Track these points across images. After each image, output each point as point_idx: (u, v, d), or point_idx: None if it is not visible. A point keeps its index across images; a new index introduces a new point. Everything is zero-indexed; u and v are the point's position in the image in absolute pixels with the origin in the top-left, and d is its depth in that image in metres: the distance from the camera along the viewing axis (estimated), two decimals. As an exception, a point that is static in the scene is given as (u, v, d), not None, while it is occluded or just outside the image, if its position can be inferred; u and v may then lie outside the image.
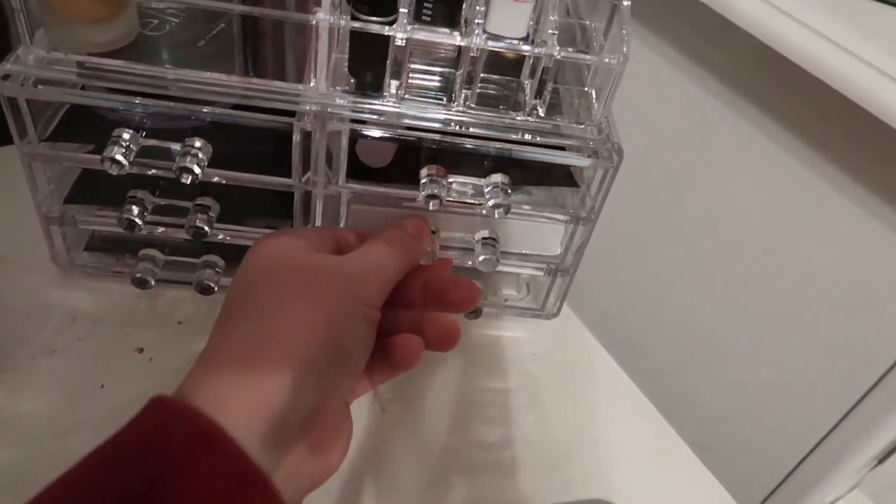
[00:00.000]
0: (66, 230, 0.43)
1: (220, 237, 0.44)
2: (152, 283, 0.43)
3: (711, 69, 0.54)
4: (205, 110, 0.38)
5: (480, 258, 0.43)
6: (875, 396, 0.50)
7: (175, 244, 0.45)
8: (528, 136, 0.39)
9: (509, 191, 0.40)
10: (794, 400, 0.56)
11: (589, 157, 0.40)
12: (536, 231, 0.45)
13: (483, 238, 0.44)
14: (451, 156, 0.40)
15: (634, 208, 0.64)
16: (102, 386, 0.40)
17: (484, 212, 0.40)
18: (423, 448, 0.41)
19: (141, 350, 0.42)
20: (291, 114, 0.38)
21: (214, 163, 0.40)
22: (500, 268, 0.44)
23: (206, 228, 0.41)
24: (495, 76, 0.42)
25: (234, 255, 0.45)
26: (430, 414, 0.43)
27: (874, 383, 0.50)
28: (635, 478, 0.42)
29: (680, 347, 0.64)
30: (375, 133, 0.38)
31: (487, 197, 0.40)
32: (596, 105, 0.40)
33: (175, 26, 0.41)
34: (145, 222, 0.41)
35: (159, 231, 0.43)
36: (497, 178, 0.41)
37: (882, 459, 0.56)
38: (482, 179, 0.41)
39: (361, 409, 0.42)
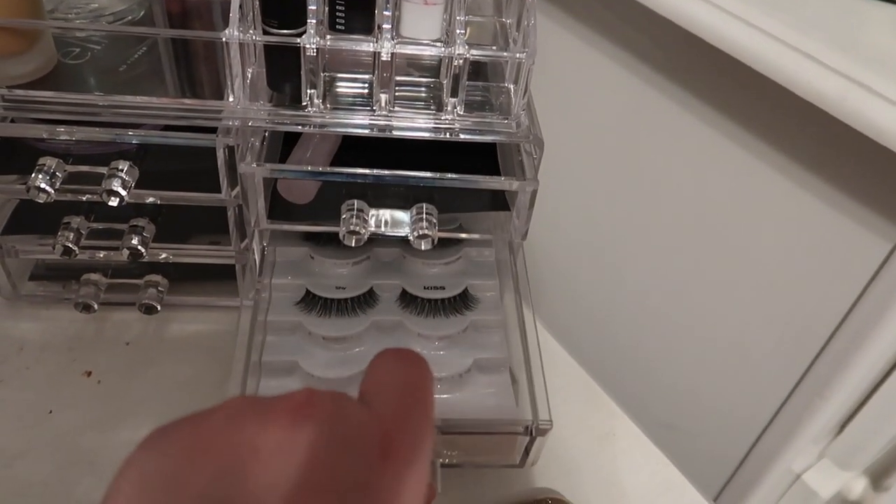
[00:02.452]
0: (10, 262, 0.44)
1: (163, 256, 0.44)
2: (96, 307, 0.43)
3: (641, 56, 0.55)
4: (130, 133, 0.39)
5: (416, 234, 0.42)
6: (822, 361, 0.51)
7: (120, 267, 0.45)
8: (449, 135, 0.40)
9: (434, 220, 0.40)
10: (748, 372, 0.57)
11: (516, 180, 0.40)
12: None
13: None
14: (374, 188, 0.40)
15: (575, 194, 0.65)
16: (51, 412, 0.41)
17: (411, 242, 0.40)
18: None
19: (89, 374, 0.43)
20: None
21: (150, 184, 0.40)
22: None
23: (142, 249, 0.41)
24: (423, 78, 0.43)
25: (178, 273, 0.46)
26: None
27: (820, 349, 0.51)
28: (584, 463, 0.43)
29: (631, 330, 0.65)
30: (289, 173, 0.39)
31: (412, 229, 0.40)
32: (514, 99, 0.41)
33: (97, 53, 0.42)
34: (82, 247, 0.41)
35: (101, 255, 0.43)
36: (422, 208, 0.40)
37: (843, 426, 0.57)
38: (406, 211, 0.41)
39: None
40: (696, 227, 0.56)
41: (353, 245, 0.39)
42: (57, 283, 0.46)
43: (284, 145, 0.44)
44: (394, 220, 0.40)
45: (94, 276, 0.44)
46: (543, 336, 0.49)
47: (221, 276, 0.45)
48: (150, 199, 0.41)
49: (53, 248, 0.41)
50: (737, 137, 0.51)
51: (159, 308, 0.44)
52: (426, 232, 0.39)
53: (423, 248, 0.39)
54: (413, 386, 0.25)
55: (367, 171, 0.39)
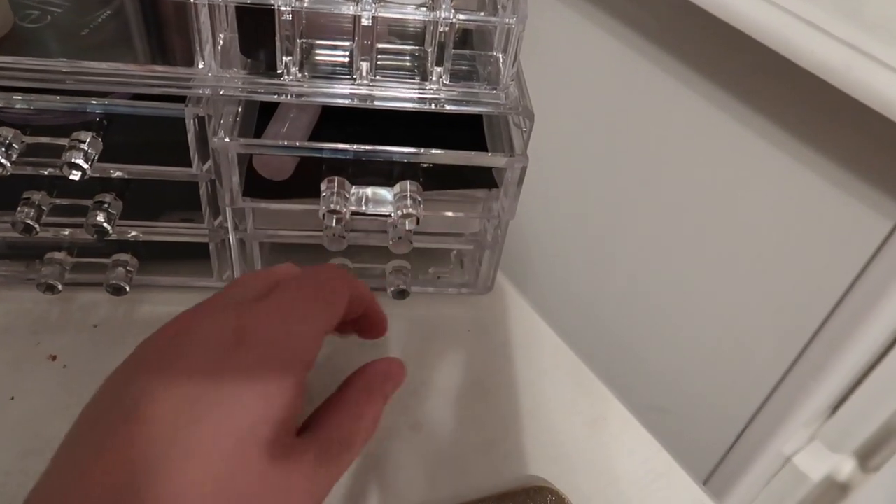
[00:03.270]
0: None
1: (133, 234, 0.42)
2: (60, 287, 0.41)
3: (635, 26, 0.53)
4: (94, 101, 0.36)
5: (393, 239, 0.41)
6: (818, 343, 0.50)
7: (86, 245, 0.43)
8: (434, 106, 0.38)
9: (419, 199, 0.38)
10: (741, 355, 0.56)
11: (505, 156, 0.38)
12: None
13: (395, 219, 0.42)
14: (356, 164, 0.38)
15: (566, 172, 0.63)
16: (12, 398, 0.39)
17: (395, 223, 0.38)
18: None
19: (54, 357, 0.41)
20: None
21: (116, 157, 0.38)
22: (422, 244, 0.43)
23: (107, 226, 0.39)
24: (406, 46, 0.41)
25: (148, 252, 0.43)
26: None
27: (815, 331, 0.49)
28: (573, 448, 0.41)
29: (623, 312, 0.63)
30: (264, 149, 0.36)
31: (396, 208, 0.38)
32: (503, 69, 0.39)
33: (57, 16, 0.39)
34: (45, 224, 0.39)
35: (65, 233, 0.41)
36: (406, 185, 0.38)
37: (835, 409, 0.56)
38: (390, 189, 0.39)
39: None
40: (690, 204, 0.54)
41: (332, 224, 0.37)
42: (19, 263, 0.44)
43: (260, 118, 0.42)
44: (376, 199, 0.38)
45: (59, 255, 0.42)
46: (532, 319, 0.48)
47: (195, 255, 0.43)
48: (117, 174, 0.39)
49: (13, 226, 0.38)
50: (734, 111, 0.49)
51: (128, 289, 0.41)
52: (410, 211, 0.37)
53: (407, 227, 0.37)
54: (304, 298, 0.30)
55: (347, 146, 0.36)
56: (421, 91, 0.38)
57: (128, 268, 0.42)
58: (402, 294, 0.43)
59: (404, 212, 0.37)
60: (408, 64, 0.40)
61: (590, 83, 0.59)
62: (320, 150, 0.37)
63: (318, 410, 0.30)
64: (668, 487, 0.40)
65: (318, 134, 0.41)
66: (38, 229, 0.39)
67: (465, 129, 0.44)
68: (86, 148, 0.35)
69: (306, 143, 0.36)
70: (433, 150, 0.37)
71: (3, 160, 0.35)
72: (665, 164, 0.55)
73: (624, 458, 0.41)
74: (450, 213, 0.42)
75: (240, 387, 0.26)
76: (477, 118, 0.45)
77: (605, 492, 0.39)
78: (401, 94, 0.38)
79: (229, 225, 0.42)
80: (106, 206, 0.39)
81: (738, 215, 0.52)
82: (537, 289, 0.47)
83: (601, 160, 0.60)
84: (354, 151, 0.36)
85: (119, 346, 0.28)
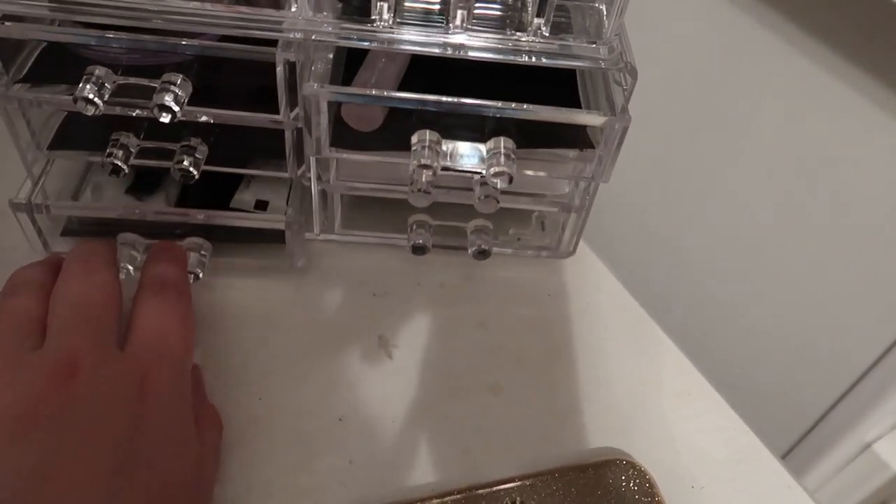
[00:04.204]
0: (40, 218, 0.41)
1: (201, 217, 0.41)
2: (132, 270, 0.40)
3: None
4: (184, 42, 0.36)
5: (479, 197, 0.40)
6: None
7: (156, 227, 0.41)
8: (532, 59, 0.36)
9: (513, 156, 0.36)
10: (831, 336, 0.53)
11: (603, 115, 0.36)
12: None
13: (482, 177, 0.40)
14: (446, 117, 0.36)
15: (656, 136, 0.60)
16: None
17: (485, 181, 0.37)
18: (430, 395, 0.39)
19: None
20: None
21: (206, 101, 0.37)
22: (507, 205, 0.41)
23: (194, 171, 0.38)
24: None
25: (221, 235, 0.42)
26: (438, 359, 0.41)
27: (918, 317, 0.47)
28: (655, 422, 0.40)
29: (707, 284, 0.61)
30: (355, 97, 0.35)
31: (488, 165, 0.36)
32: (606, 22, 0.36)
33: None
34: (131, 167, 0.39)
35: (136, 212, 0.40)
36: (500, 142, 0.36)
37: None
38: (482, 144, 0.37)
39: (367, 357, 0.40)
40: (787, 174, 0.51)
41: (422, 179, 0.35)
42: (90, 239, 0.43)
43: (346, 70, 0.40)
44: (468, 154, 0.37)
45: (131, 237, 0.41)
46: (614, 287, 0.46)
47: (269, 239, 0.42)
48: (203, 118, 0.38)
49: (102, 166, 0.38)
50: (841, 71, 0.46)
51: (202, 275, 0.40)
52: (504, 169, 0.35)
53: (498, 185, 0.36)
54: (167, 328, 0.31)
55: (443, 98, 0.35)
56: (517, 43, 0.36)
57: (202, 252, 0.41)
58: (483, 254, 0.42)
59: (497, 169, 0.35)
60: (502, 13, 0.38)
61: (685, 37, 0.56)
62: (414, 101, 0.35)
63: None
64: (755, 470, 0.38)
65: (404, 87, 0.40)
66: (126, 170, 0.38)
67: (556, 86, 0.41)
68: (177, 90, 0.35)
69: (400, 94, 0.35)
70: (532, 106, 0.35)
71: (97, 98, 0.34)
72: (762, 131, 0.52)
73: (708, 435, 0.40)
74: (534, 173, 0.40)
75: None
76: (570, 74, 0.43)
77: (688, 469, 0.38)
78: (496, 46, 0.36)
79: (312, 176, 0.41)
80: (193, 150, 0.38)
81: (839, 189, 0.49)
82: (617, 256, 0.45)
83: (692, 123, 0.57)
84: (450, 104, 0.35)
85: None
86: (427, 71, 0.39)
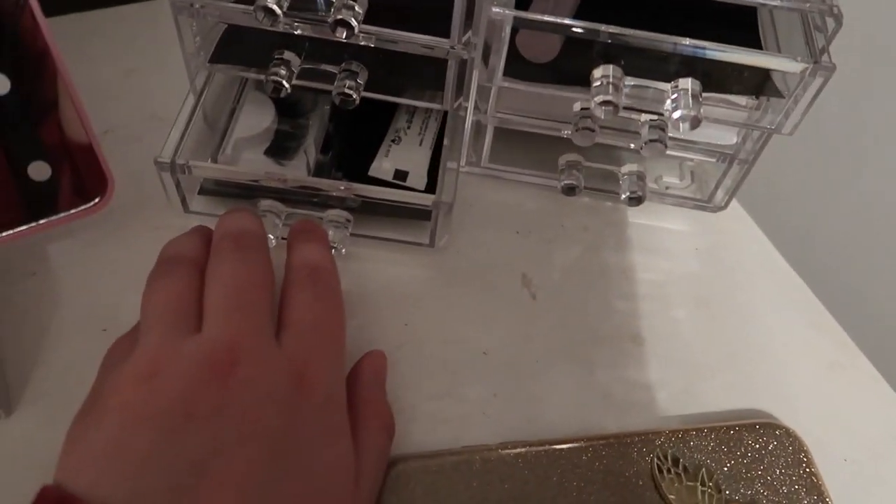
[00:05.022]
0: (182, 178, 0.40)
1: (343, 189, 0.39)
2: (273, 240, 0.39)
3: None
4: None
5: (646, 141, 0.38)
6: None
7: (294, 193, 0.40)
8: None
9: (701, 99, 0.34)
10: None
11: (800, 60, 0.33)
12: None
13: (651, 120, 0.39)
14: (627, 53, 0.34)
15: (835, 88, 0.56)
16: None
17: (657, 123, 0.35)
18: (573, 338, 0.39)
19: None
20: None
21: (376, 20, 0.36)
22: (672, 152, 0.39)
23: (354, 95, 0.38)
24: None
25: (361, 207, 0.40)
26: (581, 303, 0.40)
27: None
28: (804, 390, 0.38)
29: (867, 254, 0.58)
30: (543, 24, 0.33)
31: (672, 106, 0.34)
32: (815, -42, 0.33)
33: None
34: (286, 96, 0.38)
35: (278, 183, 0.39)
36: (686, 83, 0.34)
37: None
38: (666, 84, 0.35)
39: (511, 295, 0.40)
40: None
41: (602, 117, 0.34)
42: (227, 201, 0.42)
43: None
44: (652, 95, 0.35)
45: (271, 204, 0.40)
46: (766, 248, 0.44)
47: (413, 215, 0.40)
48: (364, 42, 0.37)
49: (265, 84, 0.38)
50: None
51: (343, 251, 0.39)
52: (690, 112, 0.33)
53: (681, 130, 0.34)
54: (323, 321, 0.30)
55: (632, 30, 0.33)
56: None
57: (346, 227, 0.40)
58: (637, 200, 0.41)
59: (683, 112, 0.33)
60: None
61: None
62: (599, 32, 0.33)
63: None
64: (912, 451, 0.37)
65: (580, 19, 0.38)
66: (288, 89, 0.38)
67: (736, 29, 0.39)
68: (355, 6, 0.34)
69: (589, 23, 0.33)
70: (727, 46, 0.33)
71: (277, 8, 0.34)
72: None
73: (861, 408, 0.38)
74: (724, 119, 0.38)
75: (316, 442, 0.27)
76: (750, 17, 0.40)
77: (839, 440, 0.36)
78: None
79: (470, 105, 0.40)
80: (356, 74, 0.38)
81: None
82: (765, 215, 0.42)
83: (879, 76, 0.53)
84: (639, 37, 0.33)
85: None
86: (602, 5, 0.37)
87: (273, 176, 0.39)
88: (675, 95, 0.34)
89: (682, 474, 0.32)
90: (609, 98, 0.33)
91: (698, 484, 0.32)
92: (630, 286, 0.41)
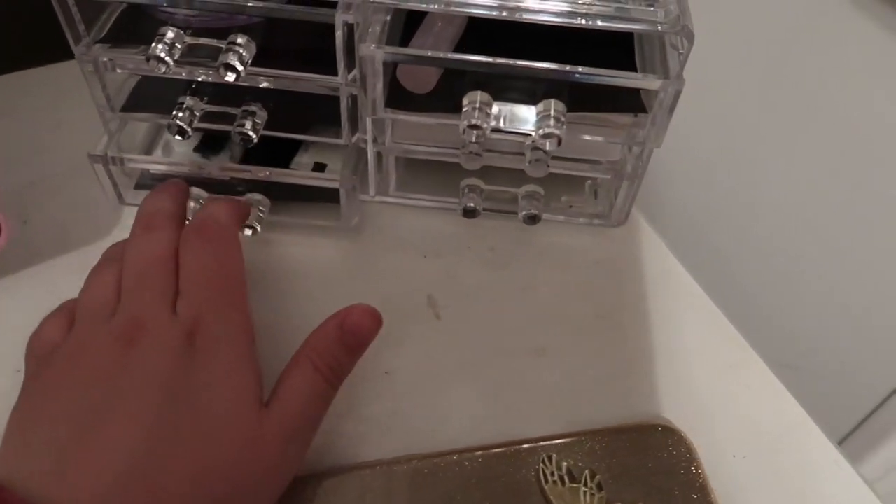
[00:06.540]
0: (114, 170, 0.44)
1: (262, 175, 0.43)
2: None
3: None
4: (250, 4, 0.37)
5: (530, 161, 0.40)
6: None
7: (221, 184, 0.44)
8: (588, 22, 0.35)
9: (563, 119, 0.37)
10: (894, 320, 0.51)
11: (658, 78, 0.36)
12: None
13: (533, 141, 0.41)
14: (501, 80, 0.37)
15: (716, 100, 0.59)
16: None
17: (535, 143, 0.37)
18: (475, 355, 0.40)
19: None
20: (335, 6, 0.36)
21: (267, 64, 0.39)
22: (558, 170, 0.41)
23: (252, 135, 0.40)
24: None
25: (280, 193, 0.44)
26: (484, 321, 0.42)
27: None
28: (700, 392, 0.39)
29: (766, 259, 0.59)
30: (408, 58, 0.36)
31: (537, 127, 0.37)
32: (665, -18, 0.36)
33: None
34: (195, 129, 0.41)
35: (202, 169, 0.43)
36: (550, 104, 0.37)
37: None
38: (533, 107, 0.37)
39: (416, 316, 0.42)
40: (851, 147, 0.50)
41: (472, 140, 0.36)
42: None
43: (403, 34, 0.41)
44: (518, 116, 0.37)
45: (197, 192, 0.43)
46: (666, 257, 0.46)
47: (325, 198, 0.44)
48: (264, 84, 0.40)
49: (169, 128, 0.40)
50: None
51: (259, 229, 0.43)
52: (553, 130, 0.35)
53: (547, 147, 0.36)
54: (212, 269, 0.33)
55: (494, 59, 0.35)
56: (573, 5, 0.36)
57: (260, 208, 0.43)
58: (533, 219, 0.43)
59: (546, 131, 0.35)
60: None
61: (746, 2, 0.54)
62: (468, 62, 0.36)
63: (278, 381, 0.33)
64: (802, 444, 0.38)
65: (459, 50, 0.40)
66: (190, 133, 0.40)
67: (613, 50, 0.41)
68: (241, 51, 0.36)
69: (453, 55, 0.36)
70: (583, 69, 0.35)
71: (167, 58, 0.36)
72: (826, 101, 0.50)
73: (755, 408, 0.39)
74: (589, 137, 0.40)
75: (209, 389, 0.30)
76: (626, 38, 0.42)
77: (732, 440, 0.38)
78: (550, 8, 0.36)
79: (368, 138, 0.42)
80: (254, 114, 0.40)
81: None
82: (670, 227, 0.44)
83: (755, 88, 0.55)
84: (501, 65, 0.35)
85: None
86: (483, 35, 0.40)
87: (197, 164, 0.43)
88: (540, 117, 0.36)
89: (566, 477, 0.34)
90: (475, 122, 0.35)
91: (581, 486, 0.33)
92: (533, 301, 0.43)
